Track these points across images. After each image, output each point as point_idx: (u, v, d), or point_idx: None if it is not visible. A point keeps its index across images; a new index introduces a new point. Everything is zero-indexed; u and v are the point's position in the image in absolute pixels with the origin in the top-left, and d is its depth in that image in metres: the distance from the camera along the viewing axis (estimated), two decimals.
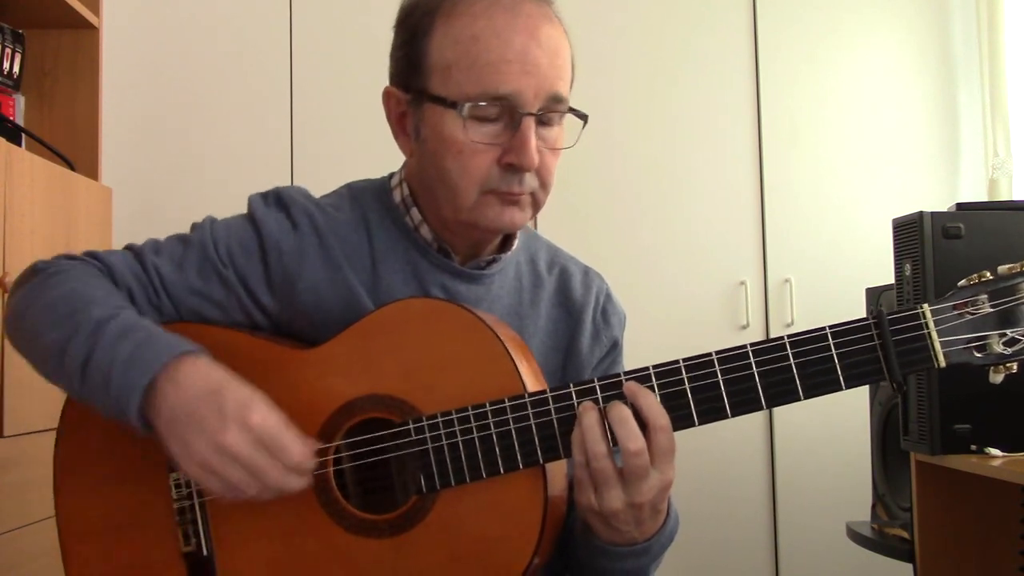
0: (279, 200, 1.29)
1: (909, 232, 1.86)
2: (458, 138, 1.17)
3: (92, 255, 1.27)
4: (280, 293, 1.25)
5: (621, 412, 1.06)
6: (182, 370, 1.10)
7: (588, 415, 1.07)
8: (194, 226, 1.29)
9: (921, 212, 1.83)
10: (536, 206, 1.23)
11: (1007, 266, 1.04)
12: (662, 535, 1.13)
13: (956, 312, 1.03)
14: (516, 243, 1.33)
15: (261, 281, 1.25)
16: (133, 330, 1.13)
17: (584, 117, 1.21)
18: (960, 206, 1.93)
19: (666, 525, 1.14)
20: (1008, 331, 1.02)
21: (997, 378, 1.05)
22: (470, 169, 1.18)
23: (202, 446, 1.07)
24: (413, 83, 1.22)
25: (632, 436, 1.05)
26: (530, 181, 1.19)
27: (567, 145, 1.23)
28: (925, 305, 1.04)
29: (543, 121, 1.19)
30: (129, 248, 1.28)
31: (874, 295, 2.36)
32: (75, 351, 1.13)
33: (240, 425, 1.07)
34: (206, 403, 1.07)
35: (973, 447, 1.78)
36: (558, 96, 1.19)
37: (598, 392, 1.09)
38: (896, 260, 1.91)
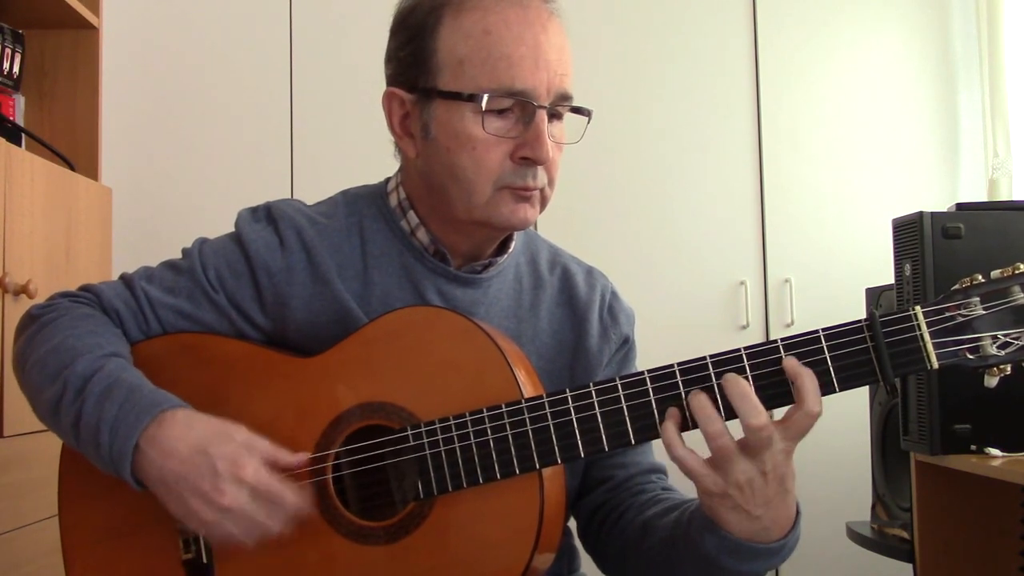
0: (268, 215, 1.29)
1: (909, 232, 1.86)
2: (473, 132, 1.17)
3: (85, 288, 1.28)
4: (273, 313, 1.26)
5: (742, 388, 1.04)
6: (163, 430, 1.10)
7: (697, 397, 1.05)
8: (184, 251, 1.30)
9: (921, 212, 1.83)
10: (544, 202, 1.23)
11: (999, 270, 1.03)
12: (792, 536, 1.10)
13: (948, 314, 1.03)
14: (514, 245, 1.33)
15: (253, 301, 1.26)
16: (116, 386, 1.14)
17: (589, 113, 1.23)
18: (960, 206, 1.93)
19: (795, 528, 1.10)
20: (1000, 333, 1.02)
21: (992, 382, 1.04)
22: (485, 164, 1.18)
23: (202, 508, 1.08)
24: (420, 82, 1.21)
25: (754, 412, 1.03)
26: (541, 176, 1.20)
27: (572, 140, 1.24)
28: (917, 307, 1.03)
29: (551, 115, 1.20)
30: (122, 277, 1.30)
31: (874, 295, 2.35)
32: (66, 411, 1.14)
33: (235, 482, 1.08)
34: (195, 465, 1.09)
35: (973, 447, 1.78)
36: (566, 93, 1.20)
37: (593, 396, 1.09)
38: (896, 260, 1.91)
